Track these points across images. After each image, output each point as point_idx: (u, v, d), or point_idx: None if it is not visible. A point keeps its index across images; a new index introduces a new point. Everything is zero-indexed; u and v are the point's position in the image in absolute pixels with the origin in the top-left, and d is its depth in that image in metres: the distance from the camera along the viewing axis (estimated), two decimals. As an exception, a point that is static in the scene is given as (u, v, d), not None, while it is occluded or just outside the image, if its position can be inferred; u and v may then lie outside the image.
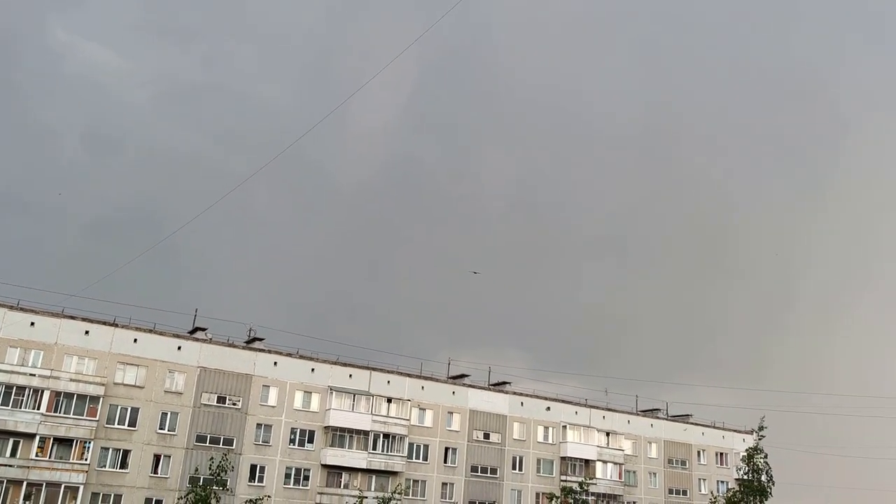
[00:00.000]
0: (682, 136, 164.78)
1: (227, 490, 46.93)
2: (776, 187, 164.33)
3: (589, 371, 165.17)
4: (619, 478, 73.41)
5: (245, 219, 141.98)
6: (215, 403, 56.04)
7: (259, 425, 57.34)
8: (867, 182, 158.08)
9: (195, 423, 54.86)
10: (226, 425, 55.98)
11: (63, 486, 48.87)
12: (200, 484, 44.16)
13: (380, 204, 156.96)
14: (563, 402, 73.52)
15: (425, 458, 64.18)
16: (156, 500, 52.25)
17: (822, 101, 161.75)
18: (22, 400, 48.99)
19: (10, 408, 48.39)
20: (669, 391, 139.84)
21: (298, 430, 58.94)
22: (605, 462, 72.85)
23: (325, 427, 59.72)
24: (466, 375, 70.19)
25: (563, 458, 71.20)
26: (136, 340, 54.30)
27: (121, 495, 51.15)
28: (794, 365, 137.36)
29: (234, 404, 56.73)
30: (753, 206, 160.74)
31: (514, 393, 71.14)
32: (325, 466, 59.04)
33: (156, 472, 52.77)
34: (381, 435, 61.64)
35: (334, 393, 60.68)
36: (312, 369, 60.86)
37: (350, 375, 62.23)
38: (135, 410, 53.01)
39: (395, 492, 52.65)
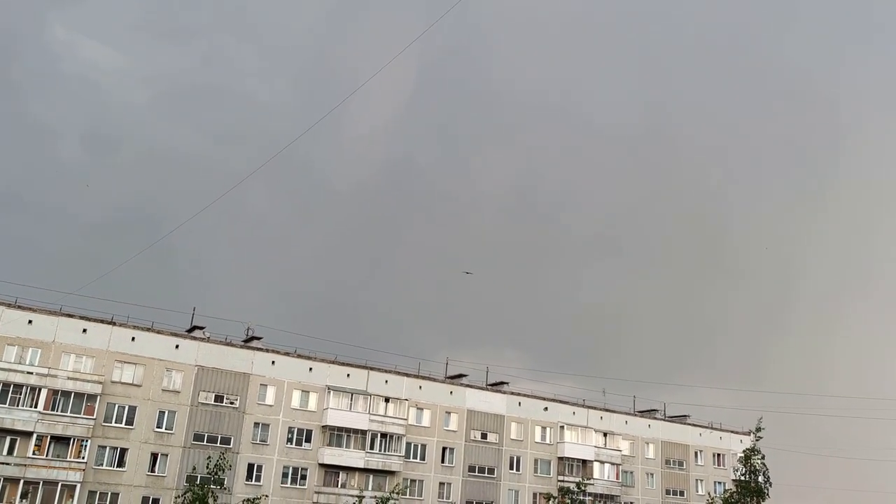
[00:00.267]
0: (681, 138, 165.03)
1: (225, 489, 46.96)
2: (775, 188, 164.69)
3: (587, 371, 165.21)
4: (617, 478, 73.48)
5: (244, 218, 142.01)
6: (213, 402, 56.02)
7: (256, 424, 57.31)
8: (866, 183, 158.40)
9: (193, 422, 54.83)
10: (223, 424, 55.95)
11: (60, 485, 48.82)
12: (198, 483, 44.22)
13: (378, 203, 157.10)
14: (561, 402, 73.57)
15: (423, 458, 64.20)
16: (153, 499, 52.22)
17: (822, 102, 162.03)
18: (19, 398, 48.96)
19: (7, 406, 48.35)
20: (668, 392, 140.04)
21: (296, 430, 58.93)
22: (602, 462, 72.92)
23: (323, 426, 59.71)
24: (464, 375, 70.21)
25: (560, 459, 71.23)
26: (133, 339, 54.26)
27: (118, 494, 51.11)
28: (793, 366, 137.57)
29: (232, 403, 56.71)
30: (752, 208, 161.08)
31: (512, 393, 71.17)
32: (322, 466, 59.03)
33: (153, 470, 52.73)
34: (379, 434, 61.64)
35: (332, 392, 60.67)
36: (310, 368, 60.84)
37: (348, 375, 62.23)
38: (132, 409, 52.97)
39: (392, 492, 52.65)
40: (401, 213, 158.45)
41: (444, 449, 65.48)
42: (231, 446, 55.27)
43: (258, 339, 60.45)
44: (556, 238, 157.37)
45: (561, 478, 69.51)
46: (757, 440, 53.01)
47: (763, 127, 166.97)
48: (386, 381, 63.84)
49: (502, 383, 71.94)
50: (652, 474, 77.41)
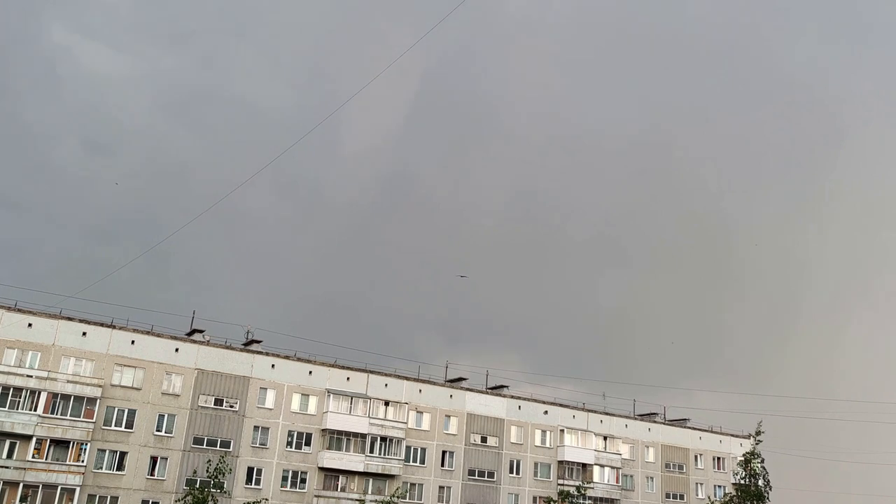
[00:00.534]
0: (680, 142, 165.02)
1: (224, 492, 46.93)
2: (778, 193, 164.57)
3: (587, 375, 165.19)
4: (617, 482, 73.42)
5: (244, 221, 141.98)
6: (212, 406, 55.98)
7: (256, 428, 57.28)
8: (870, 189, 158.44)
9: (192, 426, 54.79)
10: (223, 427, 55.91)
11: (59, 488, 48.79)
12: (197, 486, 44.20)
13: (377, 207, 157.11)
14: (561, 405, 73.58)
15: (422, 462, 64.15)
16: (152, 503, 52.14)
17: (823, 106, 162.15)
18: (19, 401, 48.94)
19: (6, 409, 48.31)
20: (668, 395, 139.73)
21: (296, 433, 58.89)
22: (602, 466, 72.85)
23: (323, 430, 59.67)
24: (464, 379, 70.17)
25: (560, 462, 71.19)
26: (133, 342, 54.26)
27: (117, 497, 51.05)
28: (795, 370, 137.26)
29: (232, 407, 56.67)
30: (754, 212, 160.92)
31: (512, 396, 71.15)
32: (322, 469, 58.98)
33: (152, 474, 52.68)
34: (379, 438, 61.60)
35: (332, 396, 60.65)
36: (310, 372, 60.82)
37: (348, 378, 62.21)
38: (132, 412, 52.95)
39: (392, 495, 52.63)
40: (400, 217, 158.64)
41: (443, 452, 65.43)
42: (231, 450, 55.23)
43: (258, 342, 60.44)
44: (556, 243, 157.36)
45: (561, 481, 69.49)
46: (757, 444, 53.02)
47: (765, 131, 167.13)
48: (386, 385, 63.82)
49: (502, 387, 71.95)
50: (652, 478, 77.34)
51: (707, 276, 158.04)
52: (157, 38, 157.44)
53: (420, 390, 65.69)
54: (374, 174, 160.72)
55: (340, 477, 59.79)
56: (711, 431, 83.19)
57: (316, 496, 58.07)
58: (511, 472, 68.53)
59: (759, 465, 52.67)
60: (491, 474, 67.42)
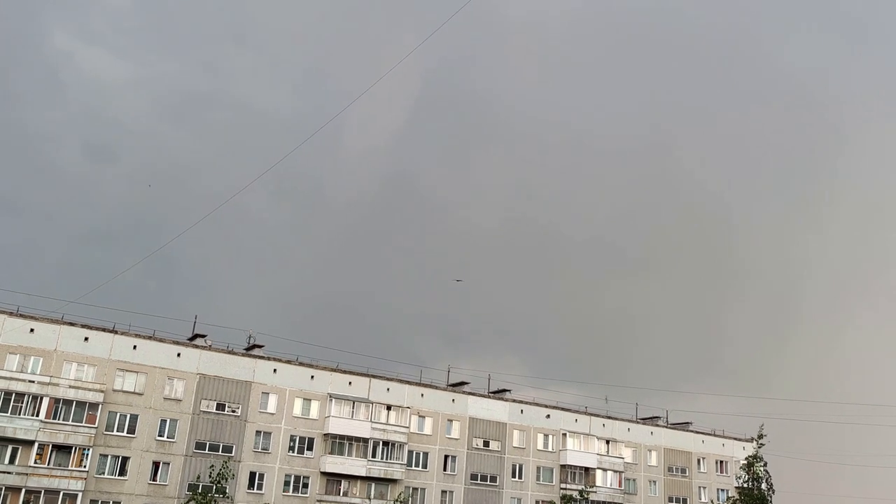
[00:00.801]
0: (681, 145, 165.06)
1: (227, 497, 46.78)
2: (780, 195, 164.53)
3: (589, 379, 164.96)
4: (619, 486, 73.24)
5: (245, 226, 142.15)
6: (214, 410, 55.94)
7: (258, 432, 57.22)
8: (870, 189, 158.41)
9: (194, 431, 54.75)
10: (225, 432, 55.86)
11: (62, 494, 48.73)
12: (199, 491, 44.09)
13: (379, 211, 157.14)
14: (563, 409, 73.46)
15: (425, 466, 64.04)
16: (154, 508, 52.13)
17: (824, 108, 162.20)
18: (21, 407, 48.91)
19: (8, 414, 48.29)
20: (670, 399, 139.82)
21: (298, 438, 58.83)
22: (605, 470, 72.69)
23: (325, 434, 59.60)
24: (466, 383, 70.08)
25: (562, 466, 71.05)
26: (135, 347, 54.24)
27: (119, 502, 51.03)
28: (797, 373, 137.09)
29: (234, 411, 56.63)
30: (755, 215, 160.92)
31: (514, 400, 71.03)
32: (324, 474, 58.91)
33: (155, 479, 52.65)
34: (381, 442, 61.52)
35: (334, 400, 60.59)
36: (312, 376, 60.77)
37: (349, 383, 62.15)
38: (134, 417, 52.92)
39: (395, 500, 52.49)
40: (402, 221, 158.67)
41: (446, 457, 65.33)
42: (233, 454, 55.16)
43: (260, 347, 60.41)
44: (557, 245, 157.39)
45: (563, 485, 69.35)
46: (759, 447, 52.87)
47: (765, 132, 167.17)
48: (388, 389, 63.75)
49: (504, 391, 71.84)
50: (655, 481, 77.18)
51: (707, 278, 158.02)
52: (158, 42, 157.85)
53: (422, 394, 65.61)
54: (375, 177, 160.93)
55: (343, 481, 59.71)
56: (714, 435, 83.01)
57: (318, 501, 57.98)
58: (513, 476, 68.39)
59: (761, 469, 52.52)
60: (493, 478, 67.30)
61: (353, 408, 61.30)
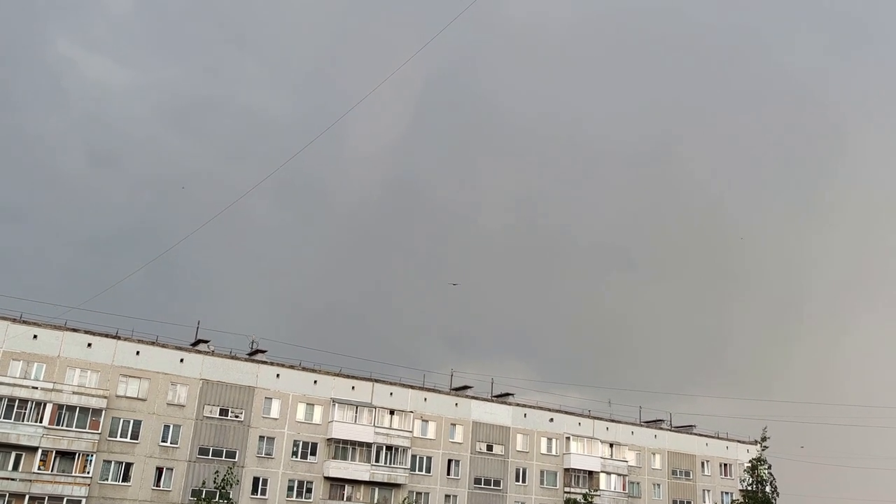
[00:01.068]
0: (684, 149, 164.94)
1: (231, 503, 46.77)
2: (781, 197, 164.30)
3: (592, 382, 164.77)
4: (623, 489, 73.12)
5: (248, 231, 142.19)
6: (218, 416, 55.96)
7: (261, 438, 57.22)
8: (872, 190, 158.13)
9: (198, 436, 54.77)
10: (228, 438, 55.87)
11: (65, 500, 48.76)
12: (203, 497, 44.11)
13: (382, 215, 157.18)
14: (567, 413, 73.31)
15: (428, 471, 63.97)
16: (158, 514, 52.13)
17: (824, 110, 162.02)
18: (24, 413, 48.96)
19: (12, 421, 48.35)
20: (674, 402, 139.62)
21: (301, 443, 58.81)
22: (608, 473, 72.58)
23: (328, 439, 59.58)
24: (469, 387, 70.04)
25: (566, 470, 70.93)
26: (138, 353, 54.29)
27: (123, 509, 51.02)
28: (801, 375, 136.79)
29: (237, 417, 56.64)
30: (759, 218, 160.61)
31: (518, 404, 70.96)
32: (327, 479, 58.86)
33: (158, 484, 52.64)
34: (384, 447, 61.45)
35: (337, 405, 60.57)
36: (315, 381, 60.78)
37: (353, 387, 62.13)
38: (137, 423, 52.95)
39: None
40: (405, 225, 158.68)
41: (449, 461, 65.26)
42: (236, 460, 55.16)
43: (263, 352, 60.45)
44: (561, 248, 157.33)
45: (567, 489, 69.20)
46: (763, 450, 52.80)
47: (766, 134, 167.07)
48: (391, 394, 63.72)
49: (507, 395, 71.78)
50: (659, 485, 77.02)
51: (710, 281, 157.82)
52: (161, 48, 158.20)
53: (425, 399, 65.57)
54: (378, 181, 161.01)
55: (346, 486, 59.67)
56: (718, 438, 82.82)
57: (322, 506, 57.93)
58: (517, 480, 68.30)
59: (765, 471, 52.45)
60: (497, 482, 67.21)
61: (357, 412, 61.28)
